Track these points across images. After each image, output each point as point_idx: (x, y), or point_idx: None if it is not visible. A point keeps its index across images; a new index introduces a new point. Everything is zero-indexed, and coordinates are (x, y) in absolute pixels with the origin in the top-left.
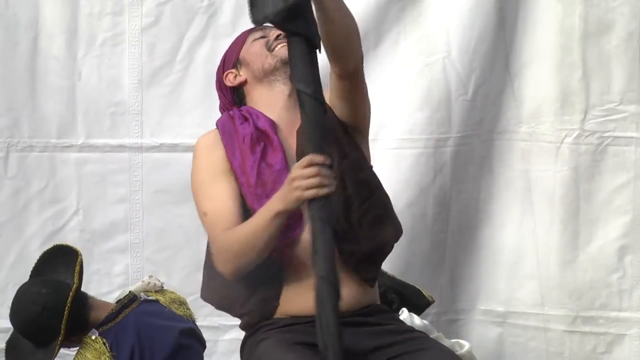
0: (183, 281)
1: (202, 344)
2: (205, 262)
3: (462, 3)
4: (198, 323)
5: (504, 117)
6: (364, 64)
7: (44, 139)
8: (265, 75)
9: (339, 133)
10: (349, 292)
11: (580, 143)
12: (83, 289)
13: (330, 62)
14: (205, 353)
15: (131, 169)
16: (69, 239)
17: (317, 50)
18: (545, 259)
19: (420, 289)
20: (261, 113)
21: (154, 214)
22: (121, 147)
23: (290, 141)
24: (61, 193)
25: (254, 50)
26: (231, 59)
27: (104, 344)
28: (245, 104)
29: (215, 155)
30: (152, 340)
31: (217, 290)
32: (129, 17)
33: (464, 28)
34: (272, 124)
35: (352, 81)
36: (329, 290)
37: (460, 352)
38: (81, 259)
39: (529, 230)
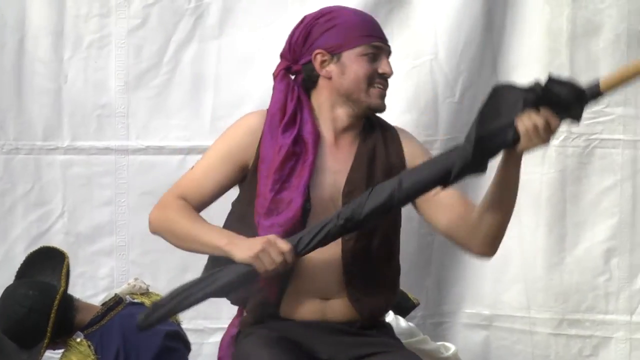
0: (169, 284)
1: (187, 346)
2: None
3: (450, 6)
4: (183, 326)
5: None
6: None
7: (30, 142)
8: (346, 97)
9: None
10: (341, 305)
11: (567, 145)
12: (68, 291)
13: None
14: (190, 356)
15: (117, 172)
16: (54, 241)
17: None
18: (531, 262)
19: (406, 291)
20: (311, 120)
21: (140, 216)
22: (107, 150)
23: (326, 161)
24: (47, 195)
25: (356, 68)
26: (333, 40)
27: (89, 346)
28: (309, 93)
29: (242, 141)
30: (138, 343)
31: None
32: (116, 19)
33: (452, 30)
34: (316, 138)
35: None
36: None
37: (445, 354)
38: (68, 262)
39: (515, 233)
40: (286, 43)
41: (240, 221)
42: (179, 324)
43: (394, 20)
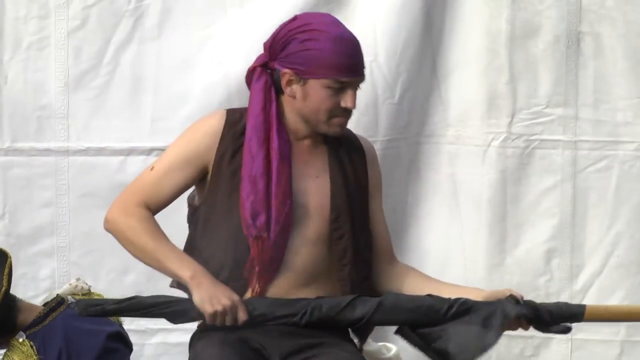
0: (109, 285)
1: (129, 347)
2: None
3: (389, 7)
4: (125, 326)
5: (431, 120)
6: None
7: None
8: (305, 120)
9: (365, 205)
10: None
11: (507, 146)
12: (11, 292)
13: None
14: (132, 356)
15: (57, 173)
16: None
17: None
18: (472, 263)
19: None
20: (284, 131)
21: (81, 217)
22: (47, 151)
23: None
24: None
25: (318, 98)
26: (302, 65)
27: (32, 346)
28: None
29: (202, 143)
30: (79, 344)
31: None
32: (55, 21)
33: (391, 32)
34: (289, 151)
35: None
36: None
37: (387, 355)
38: (11, 261)
39: (456, 234)
40: (271, 36)
41: (206, 224)
42: (120, 325)
43: None
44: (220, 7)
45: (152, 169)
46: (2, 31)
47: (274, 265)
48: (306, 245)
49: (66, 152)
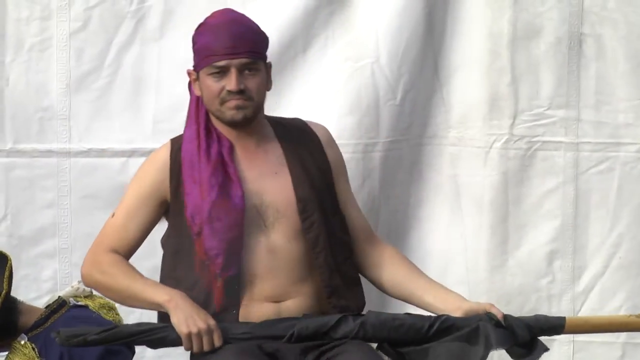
0: None
1: (131, 350)
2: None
3: (391, 8)
4: None
5: (433, 122)
6: (293, 70)
7: None
8: (212, 112)
9: (332, 189)
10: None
11: (509, 148)
12: (12, 294)
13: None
14: (134, 359)
15: (59, 174)
16: None
17: None
18: (474, 264)
19: None
20: (222, 135)
21: (82, 219)
22: (49, 152)
23: (244, 167)
24: None
25: (206, 87)
26: (195, 60)
27: (33, 349)
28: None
29: (156, 178)
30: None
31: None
32: (57, 22)
33: (393, 33)
34: (231, 151)
35: None
36: None
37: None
38: (11, 264)
39: (458, 235)
40: None
41: (175, 256)
42: None
43: (335, 23)
44: (222, 8)
45: (113, 216)
46: (4, 33)
47: (231, 269)
48: (288, 242)
49: (68, 154)
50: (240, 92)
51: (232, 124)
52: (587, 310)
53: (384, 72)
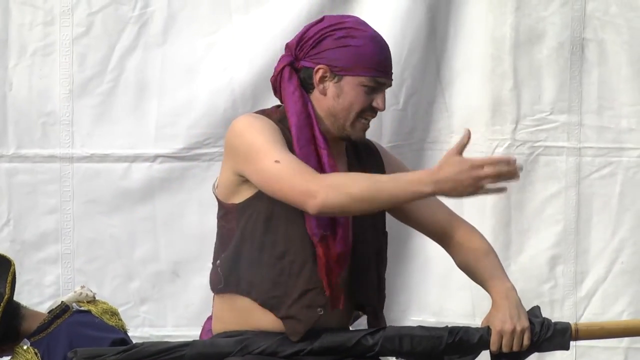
0: (114, 291)
1: None
2: (240, 259)
3: (394, 13)
4: (130, 334)
5: (435, 127)
6: None
7: None
8: (334, 117)
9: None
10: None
11: (512, 153)
12: (15, 299)
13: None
14: None
15: (62, 179)
16: (0, 249)
17: None
18: None
19: None
20: (320, 131)
21: (85, 224)
22: (52, 158)
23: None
24: None
25: (352, 96)
26: (340, 61)
27: (36, 354)
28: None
29: (274, 130)
30: None
31: (263, 286)
32: (60, 27)
33: (395, 38)
34: (329, 148)
35: None
36: None
37: None
38: (14, 269)
39: None
40: (297, 36)
41: (267, 223)
42: (125, 332)
43: None
44: (225, 14)
45: (277, 162)
46: (7, 38)
47: (341, 260)
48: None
49: (71, 159)
50: (376, 113)
51: (348, 140)
52: (590, 316)
53: None
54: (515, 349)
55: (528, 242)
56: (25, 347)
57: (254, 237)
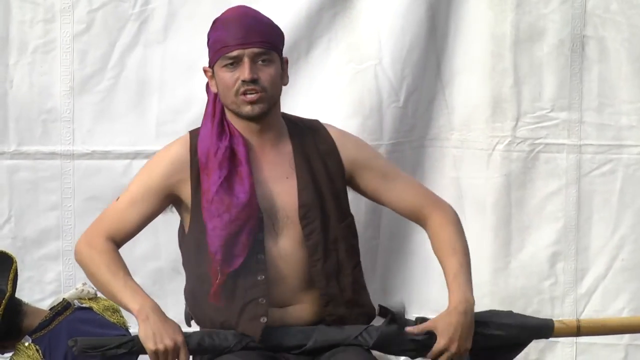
0: None
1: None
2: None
3: (394, 11)
4: (131, 331)
5: (436, 124)
6: (296, 72)
7: None
8: (228, 109)
9: (341, 194)
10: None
11: (512, 150)
12: (16, 295)
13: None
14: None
15: (63, 176)
16: (2, 246)
17: None
18: (476, 266)
19: None
20: (237, 131)
21: (86, 221)
22: (53, 155)
23: (260, 168)
24: None
25: (221, 80)
26: (209, 55)
27: (37, 350)
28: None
29: (167, 173)
30: None
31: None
32: (61, 25)
33: (396, 35)
34: (246, 149)
35: None
36: None
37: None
38: (16, 266)
39: None
40: None
41: (197, 251)
42: (127, 329)
43: (338, 25)
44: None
45: (117, 200)
46: (8, 35)
47: (230, 266)
48: (295, 248)
49: (71, 156)
50: (254, 82)
51: (249, 119)
52: (590, 313)
53: (386, 74)
54: None
55: (528, 239)
56: (26, 344)
57: (190, 271)
